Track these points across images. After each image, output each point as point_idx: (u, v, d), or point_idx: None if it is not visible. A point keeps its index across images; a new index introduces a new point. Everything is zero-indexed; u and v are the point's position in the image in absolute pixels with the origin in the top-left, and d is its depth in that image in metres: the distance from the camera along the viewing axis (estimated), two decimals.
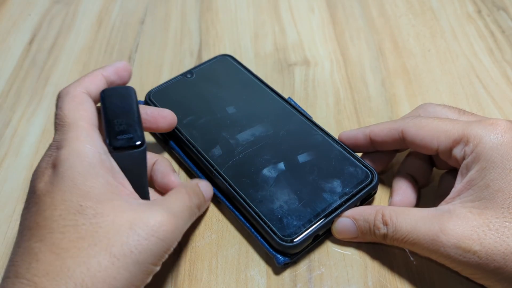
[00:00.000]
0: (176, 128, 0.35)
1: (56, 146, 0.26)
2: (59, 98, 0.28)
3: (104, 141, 0.27)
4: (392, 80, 0.41)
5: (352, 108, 0.39)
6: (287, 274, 0.29)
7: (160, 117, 0.33)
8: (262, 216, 0.29)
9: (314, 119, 0.36)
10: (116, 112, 0.28)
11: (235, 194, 0.31)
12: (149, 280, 0.24)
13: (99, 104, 0.30)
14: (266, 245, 0.29)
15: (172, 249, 0.25)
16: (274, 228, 0.29)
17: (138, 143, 0.27)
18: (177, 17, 0.50)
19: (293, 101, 0.37)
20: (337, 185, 0.31)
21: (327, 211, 0.29)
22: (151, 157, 0.32)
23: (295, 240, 0.28)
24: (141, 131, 0.28)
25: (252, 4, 0.50)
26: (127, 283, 0.22)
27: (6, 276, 0.23)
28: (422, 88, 0.40)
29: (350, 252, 0.30)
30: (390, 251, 0.30)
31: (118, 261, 0.22)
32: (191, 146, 0.34)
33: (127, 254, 0.22)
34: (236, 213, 0.31)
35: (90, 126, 0.27)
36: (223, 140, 0.34)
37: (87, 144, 0.25)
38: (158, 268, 0.25)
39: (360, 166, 0.31)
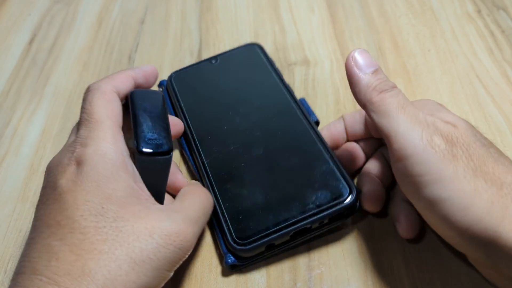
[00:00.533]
0: (181, 110, 0.35)
1: (80, 143, 0.26)
2: (89, 91, 0.28)
3: (127, 142, 0.27)
4: (392, 79, 0.41)
5: (352, 108, 0.39)
6: (287, 273, 0.29)
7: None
8: (225, 213, 0.29)
9: None
10: (146, 116, 0.28)
11: (209, 185, 0.31)
12: (162, 285, 0.25)
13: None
14: (222, 241, 0.29)
15: (187, 256, 0.25)
16: (231, 228, 0.28)
17: (166, 150, 0.27)
18: (177, 17, 0.50)
19: (306, 103, 0.36)
20: (309, 197, 0.29)
21: (288, 223, 0.28)
22: None
23: (246, 245, 0.28)
24: (170, 138, 0.28)
25: (252, 4, 0.50)
26: (145, 287, 0.23)
27: (20, 272, 0.22)
28: (422, 88, 0.40)
29: (350, 252, 0.30)
30: (390, 251, 0.30)
31: (138, 266, 0.22)
32: (188, 130, 0.34)
33: (146, 260, 0.23)
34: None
35: (116, 126, 0.27)
36: (218, 131, 0.34)
37: (112, 145, 0.25)
38: (171, 274, 0.25)
39: (341, 182, 0.29)
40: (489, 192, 0.22)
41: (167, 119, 0.29)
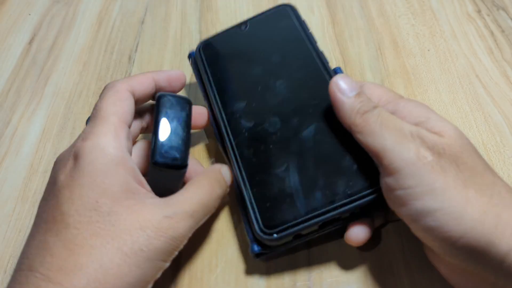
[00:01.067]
0: (210, 83, 0.33)
1: (82, 138, 0.26)
2: (104, 89, 0.29)
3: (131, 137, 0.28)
4: (391, 79, 0.41)
5: None
6: (287, 273, 0.29)
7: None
8: (253, 200, 0.28)
9: None
10: (167, 125, 0.28)
11: (237, 169, 0.29)
12: (159, 275, 0.25)
13: (148, 103, 0.31)
14: (248, 229, 0.28)
15: (182, 246, 0.25)
16: (258, 216, 0.27)
17: (180, 164, 0.27)
18: (177, 17, 0.50)
19: (341, 72, 0.33)
20: (341, 185, 0.27)
21: (318, 212, 0.27)
22: None
23: (274, 234, 0.27)
24: (187, 152, 0.28)
25: (252, 4, 0.50)
26: (138, 279, 0.23)
27: (19, 268, 0.23)
28: (421, 88, 0.40)
29: (350, 252, 0.30)
30: (390, 251, 0.30)
31: (130, 258, 0.23)
32: (216, 106, 0.32)
33: (138, 252, 0.23)
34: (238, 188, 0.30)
35: (121, 123, 0.27)
36: (248, 107, 0.31)
37: (112, 141, 0.26)
38: (167, 264, 0.25)
39: (377, 170, 0.27)
40: (480, 202, 0.22)
41: (189, 130, 0.29)
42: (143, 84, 0.30)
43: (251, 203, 0.28)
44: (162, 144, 0.27)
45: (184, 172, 0.28)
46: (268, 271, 0.29)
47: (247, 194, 0.28)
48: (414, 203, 0.23)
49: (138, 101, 0.30)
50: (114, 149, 0.25)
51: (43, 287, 0.22)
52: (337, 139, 0.29)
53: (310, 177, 0.28)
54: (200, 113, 0.33)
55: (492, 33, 0.44)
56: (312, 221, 0.27)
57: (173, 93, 0.30)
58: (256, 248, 0.28)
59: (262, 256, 0.28)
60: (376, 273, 0.29)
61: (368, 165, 0.27)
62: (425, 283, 0.28)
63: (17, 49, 0.47)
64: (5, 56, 0.46)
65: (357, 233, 0.28)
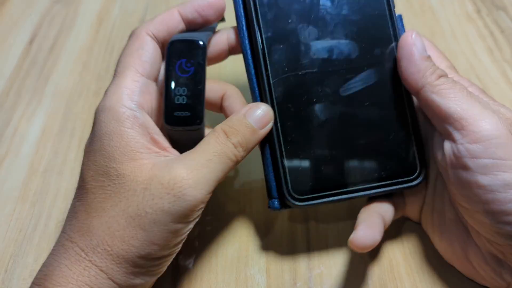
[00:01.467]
0: (254, 10, 0.27)
1: (103, 97, 0.26)
2: (128, 38, 0.28)
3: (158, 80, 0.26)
4: None
5: None
6: (287, 273, 0.29)
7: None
8: (285, 158, 0.26)
9: None
10: (178, 78, 0.25)
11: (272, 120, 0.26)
12: (180, 238, 0.24)
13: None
14: (273, 184, 0.27)
15: (200, 205, 0.24)
16: (288, 178, 0.26)
17: (194, 122, 0.25)
18: None
19: (402, 21, 0.29)
20: (377, 166, 0.26)
21: (349, 189, 0.26)
22: (218, 88, 0.29)
23: (301, 201, 0.26)
24: (201, 106, 0.25)
25: None
26: (145, 242, 0.23)
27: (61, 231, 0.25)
28: None
29: (350, 252, 0.30)
30: (390, 251, 0.30)
31: (134, 221, 0.23)
32: (258, 33, 0.27)
33: (142, 214, 0.23)
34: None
35: (136, 76, 0.26)
36: (295, 48, 0.27)
37: (121, 100, 0.25)
38: (182, 226, 0.24)
39: (416, 158, 0.27)
40: None
41: (203, 80, 0.25)
42: (166, 22, 0.27)
43: (282, 161, 0.26)
44: (173, 100, 0.25)
45: (200, 128, 0.26)
46: (268, 271, 0.30)
47: (279, 149, 0.26)
48: (502, 174, 0.23)
49: (165, 42, 0.27)
50: (122, 108, 0.25)
51: (66, 245, 0.24)
52: (388, 111, 0.27)
53: (348, 149, 0.26)
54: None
55: (491, 33, 0.44)
56: (342, 197, 0.26)
57: (184, 37, 0.26)
58: (276, 204, 0.27)
59: (278, 210, 0.28)
60: (376, 273, 0.29)
61: (411, 149, 0.26)
62: (425, 283, 0.28)
63: (17, 49, 0.47)
64: (6, 56, 0.46)
65: (365, 233, 0.25)
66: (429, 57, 0.26)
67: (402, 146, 0.26)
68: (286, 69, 0.27)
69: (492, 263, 0.25)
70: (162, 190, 0.23)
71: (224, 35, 0.29)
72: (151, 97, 0.27)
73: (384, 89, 0.27)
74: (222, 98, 0.29)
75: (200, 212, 0.24)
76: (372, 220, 0.26)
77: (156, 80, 0.28)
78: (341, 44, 0.27)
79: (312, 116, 0.26)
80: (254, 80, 0.27)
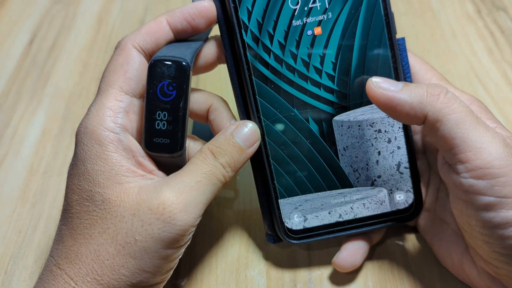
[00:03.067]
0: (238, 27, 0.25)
1: (84, 117, 0.25)
2: (114, 50, 0.26)
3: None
4: None
5: None
6: (287, 274, 0.29)
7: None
8: (278, 197, 0.26)
9: None
10: (159, 101, 0.24)
11: (263, 151, 0.26)
12: (172, 263, 0.24)
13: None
14: (270, 223, 0.27)
15: (191, 229, 0.23)
16: (284, 218, 0.26)
17: (175, 150, 0.24)
18: None
19: (404, 45, 0.27)
20: (372, 204, 0.26)
21: (343, 227, 0.26)
22: (203, 100, 0.27)
23: (296, 240, 0.27)
24: (183, 133, 0.24)
25: None
26: (136, 270, 0.22)
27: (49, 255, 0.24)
28: None
29: None
30: (390, 251, 0.30)
31: (124, 249, 0.22)
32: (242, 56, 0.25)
33: (132, 242, 0.22)
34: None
35: (120, 95, 0.24)
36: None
37: (104, 122, 0.24)
38: (176, 251, 0.23)
39: (410, 191, 0.26)
40: None
41: (185, 106, 0.24)
42: (153, 33, 0.25)
43: (277, 202, 0.26)
44: (152, 127, 0.24)
45: (181, 155, 0.25)
46: (268, 272, 0.30)
47: (273, 188, 0.26)
48: (504, 212, 0.22)
49: (152, 54, 0.26)
50: (105, 132, 0.23)
51: (54, 272, 0.23)
52: (383, 146, 0.26)
53: (342, 187, 0.27)
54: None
55: (492, 34, 0.44)
56: (336, 234, 0.27)
57: (167, 56, 0.24)
58: (272, 240, 0.28)
59: (275, 243, 0.29)
60: (376, 273, 0.29)
61: (406, 183, 0.26)
62: (425, 283, 0.28)
63: (17, 50, 0.47)
64: (5, 56, 0.46)
65: (346, 258, 0.27)
66: (404, 84, 0.23)
67: (397, 182, 0.27)
68: (276, 110, 0.26)
69: (486, 280, 0.25)
70: (151, 216, 0.22)
71: (214, 45, 0.27)
72: (136, 116, 0.25)
73: (380, 126, 0.26)
74: (208, 111, 0.27)
75: (190, 235, 0.24)
76: (356, 243, 0.27)
77: (142, 96, 0.26)
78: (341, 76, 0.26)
79: (303, 152, 0.26)
80: (240, 97, 0.27)
